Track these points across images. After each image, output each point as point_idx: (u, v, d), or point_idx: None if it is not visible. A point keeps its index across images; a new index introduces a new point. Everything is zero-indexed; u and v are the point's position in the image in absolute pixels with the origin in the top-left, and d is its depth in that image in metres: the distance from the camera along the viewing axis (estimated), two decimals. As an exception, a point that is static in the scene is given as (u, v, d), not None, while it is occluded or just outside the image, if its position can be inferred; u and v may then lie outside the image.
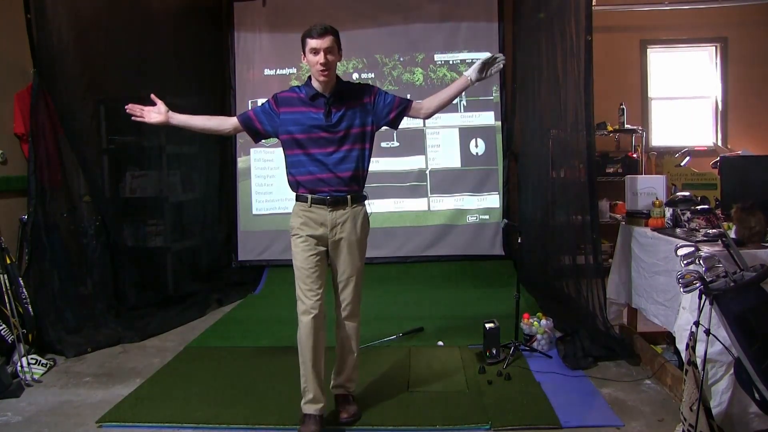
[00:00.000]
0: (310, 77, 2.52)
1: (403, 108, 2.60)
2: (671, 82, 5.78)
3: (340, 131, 2.47)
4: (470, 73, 2.60)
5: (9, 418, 2.72)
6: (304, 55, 2.46)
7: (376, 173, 5.38)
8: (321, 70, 2.40)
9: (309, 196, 2.49)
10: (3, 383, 2.98)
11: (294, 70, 5.50)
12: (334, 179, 2.47)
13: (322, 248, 2.52)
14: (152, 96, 2.63)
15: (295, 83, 5.49)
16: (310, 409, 2.47)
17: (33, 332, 3.46)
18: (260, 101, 5.47)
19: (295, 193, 2.56)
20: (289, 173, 2.56)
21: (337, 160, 2.47)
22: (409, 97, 5.54)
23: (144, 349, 3.73)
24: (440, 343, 3.63)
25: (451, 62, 5.46)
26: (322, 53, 2.38)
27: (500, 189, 5.43)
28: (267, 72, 5.55)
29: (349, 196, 2.50)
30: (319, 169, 2.47)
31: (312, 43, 2.39)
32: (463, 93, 5.33)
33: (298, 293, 2.51)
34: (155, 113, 2.65)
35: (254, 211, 5.52)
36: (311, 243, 2.50)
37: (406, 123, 5.57)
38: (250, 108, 2.61)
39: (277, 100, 2.52)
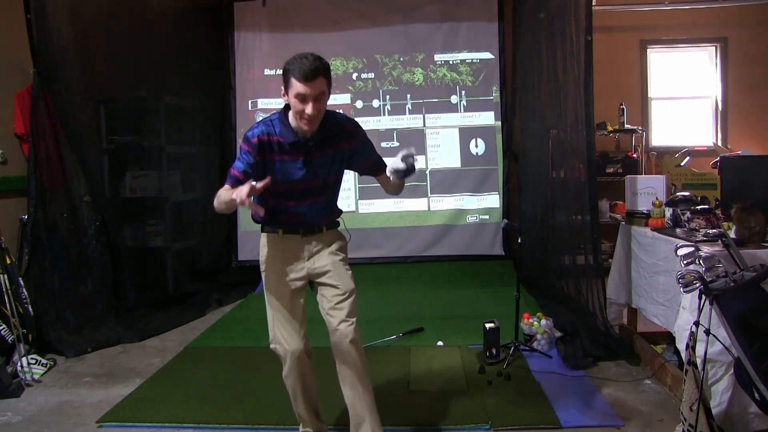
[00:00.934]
0: (285, 110, 2.11)
1: (375, 169, 2.29)
2: (671, 82, 5.77)
3: (318, 181, 2.16)
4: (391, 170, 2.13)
5: (9, 418, 2.72)
6: (285, 93, 2.03)
7: (376, 173, 5.38)
8: (308, 121, 2.01)
9: (280, 230, 2.22)
10: (3, 383, 2.98)
11: (294, 70, 5.49)
12: (308, 224, 2.22)
13: (300, 283, 2.22)
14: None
15: (295, 83, 5.48)
16: None
17: (33, 332, 3.46)
18: (259, 102, 5.53)
19: (259, 223, 2.28)
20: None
21: (314, 211, 2.21)
22: (408, 97, 5.46)
23: (144, 349, 3.73)
24: (440, 343, 3.63)
25: (451, 62, 5.46)
26: (310, 103, 1.97)
27: (500, 189, 5.43)
28: (267, 72, 5.55)
29: (324, 226, 2.25)
30: (292, 218, 2.20)
31: (298, 87, 1.95)
32: (463, 93, 5.44)
33: (276, 336, 2.20)
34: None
35: (254, 211, 5.51)
36: (286, 279, 2.20)
37: (406, 122, 5.59)
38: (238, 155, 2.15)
39: (254, 147, 2.07)
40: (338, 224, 2.35)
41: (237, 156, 2.14)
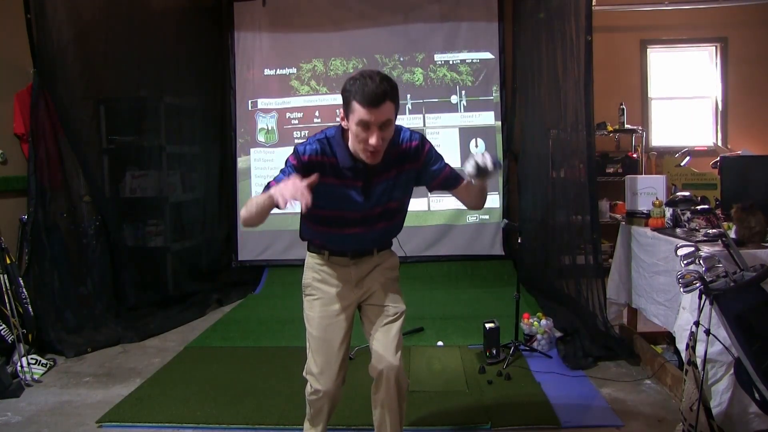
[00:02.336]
0: (341, 131, 1.85)
1: (449, 184, 1.98)
2: (671, 82, 5.77)
3: (378, 208, 1.92)
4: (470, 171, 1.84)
5: (9, 418, 2.72)
6: (345, 118, 1.77)
7: (376, 173, 5.38)
8: (372, 153, 1.76)
9: (326, 251, 2.02)
10: (3, 383, 2.98)
11: (294, 70, 5.49)
12: (363, 249, 2.03)
13: (346, 313, 2.03)
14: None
15: (294, 83, 5.48)
16: None
17: (33, 332, 3.46)
18: (259, 102, 5.53)
19: (306, 241, 2.09)
20: (304, 231, 2.08)
21: (370, 239, 2.01)
22: (409, 97, 5.41)
23: (144, 349, 3.73)
24: (440, 343, 3.63)
25: (451, 62, 5.46)
26: (376, 131, 1.71)
27: (500, 189, 5.43)
28: (267, 72, 5.55)
29: (375, 249, 2.05)
30: (347, 246, 2.00)
31: (361, 114, 1.69)
32: (463, 93, 5.43)
33: (310, 368, 2.01)
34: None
35: (254, 211, 5.50)
36: (331, 307, 2.00)
37: (406, 122, 5.58)
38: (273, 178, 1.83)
39: (303, 165, 1.81)
40: (391, 243, 2.15)
41: (281, 170, 1.86)
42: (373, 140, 1.71)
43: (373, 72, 1.72)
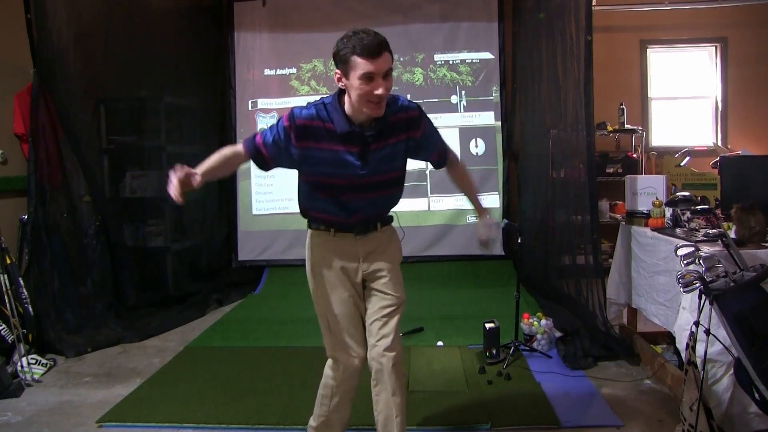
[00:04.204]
0: (338, 96, 1.85)
1: (440, 159, 2.11)
2: (671, 82, 5.78)
3: (378, 177, 1.91)
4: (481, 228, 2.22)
5: (9, 418, 2.72)
6: (346, 77, 1.77)
7: (376, 173, 5.37)
8: (377, 104, 1.77)
9: (332, 228, 2.00)
10: (3, 383, 2.98)
11: (294, 70, 5.50)
12: (363, 221, 2.00)
13: (355, 288, 2.02)
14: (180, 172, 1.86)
15: (294, 83, 5.48)
16: None
17: (33, 332, 3.46)
18: (259, 102, 5.52)
19: (306, 219, 2.08)
20: (303, 204, 2.06)
21: (370, 205, 1.98)
22: (409, 97, 5.44)
23: (144, 349, 3.73)
24: (440, 343, 3.63)
25: (451, 62, 5.46)
26: (380, 81, 1.74)
27: (500, 189, 5.43)
28: (267, 72, 5.55)
29: (378, 223, 2.05)
30: (346, 214, 1.96)
31: (364, 66, 1.71)
32: (463, 93, 5.43)
33: (331, 351, 2.04)
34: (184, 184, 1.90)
35: (254, 211, 5.52)
36: (339, 284, 2.00)
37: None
38: (258, 131, 1.97)
39: (296, 131, 1.84)
40: (392, 219, 2.14)
41: (270, 127, 1.89)
42: (380, 90, 1.73)
43: (360, 28, 1.76)
